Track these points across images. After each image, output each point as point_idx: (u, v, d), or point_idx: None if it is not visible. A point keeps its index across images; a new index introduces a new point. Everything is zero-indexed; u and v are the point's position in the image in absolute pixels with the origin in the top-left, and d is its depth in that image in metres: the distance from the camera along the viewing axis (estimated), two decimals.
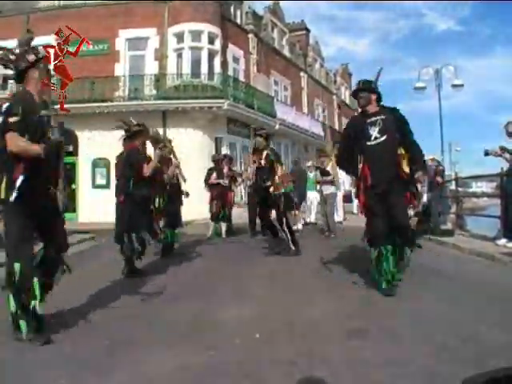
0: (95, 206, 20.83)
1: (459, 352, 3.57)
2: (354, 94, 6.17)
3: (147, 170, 6.96)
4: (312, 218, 16.35)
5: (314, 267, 7.37)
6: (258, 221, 12.67)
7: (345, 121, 35.35)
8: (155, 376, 3.31)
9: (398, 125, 5.76)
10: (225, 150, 21.75)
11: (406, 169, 5.66)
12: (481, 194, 43.39)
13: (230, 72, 24.73)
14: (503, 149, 9.47)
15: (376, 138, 5.72)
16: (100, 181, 22.27)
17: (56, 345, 3.94)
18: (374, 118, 5.81)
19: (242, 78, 25.77)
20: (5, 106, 4.11)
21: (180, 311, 4.93)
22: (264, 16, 30.97)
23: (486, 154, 9.78)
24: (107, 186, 20.86)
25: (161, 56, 22.64)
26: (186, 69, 22.63)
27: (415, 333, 4.10)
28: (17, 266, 4.03)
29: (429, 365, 3.34)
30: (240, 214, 15.18)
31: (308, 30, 39.40)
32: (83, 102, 19.48)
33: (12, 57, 4.48)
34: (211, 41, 23.36)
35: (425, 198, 14.12)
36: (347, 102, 44.01)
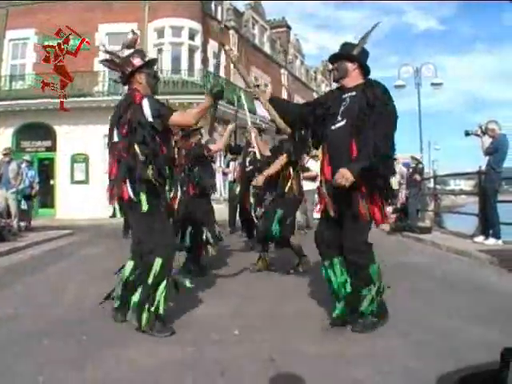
0: (74, 201, 20.68)
1: (436, 347, 3.61)
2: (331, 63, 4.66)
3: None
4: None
5: (294, 264, 7.38)
6: (237, 218, 12.72)
7: None
8: (132, 372, 3.29)
9: (369, 105, 4.11)
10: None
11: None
12: (459, 192, 43.86)
13: (211, 68, 24.67)
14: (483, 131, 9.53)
15: (338, 122, 4.27)
16: (79, 176, 22.10)
17: (33, 340, 3.90)
18: (345, 95, 4.34)
19: (222, 74, 25.72)
20: (147, 101, 4.16)
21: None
22: (245, 12, 30.96)
23: (467, 134, 9.88)
24: (86, 181, 20.75)
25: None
26: (167, 64, 22.53)
27: (392, 329, 4.12)
28: (158, 261, 4.10)
29: (406, 361, 3.37)
30: (220, 210, 15.14)
31: (289, 27, 39.45)
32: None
33: (118, 61, 4.47)
34: (192, 37, 23.33)
35: (403, 196, 14.27)
36: None
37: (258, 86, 4.95)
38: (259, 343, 3.83)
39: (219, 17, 27.11)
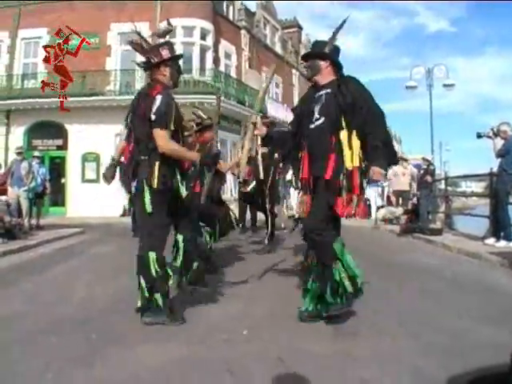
0: (84, 200, 20.76)
1: (446, 348, 3.59)
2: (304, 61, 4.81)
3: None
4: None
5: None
6: (248, 217, 12.74)
7: None
8: (141, 371, 3.29)
9: (348, 101, 4.21)
10: (216, 147, 21.69)
11: (349, 163, 4.19)
12: (470, 194, 43.65)
13: (222, 68, 24.73)
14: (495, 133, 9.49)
15: (316, 120, 4.38)
16: (90, 175, 22.18)
17: (42, 339, 3.92)
18: (320, 93, 4.46)
19: (233, 74, 25.77)
20: (160, 100, 4.19)
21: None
22: (256, 12, 30.96)
23: (479, 136, 9.82)
24: (97, 180, 20.79)
25: None
26: None
27: (402, 330, 4.10)
28: (151, 254, 4.21)
29: (415, 361, 3.35)
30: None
31: (300, 28, 39.39)
32: (73, 96, 19.32)
33: (146, 45, 4.50)
34: (203, 36, 23.37)
35: (414, 198, 14.23)
36: None
37: (255, 124, 4.89)
38: (267, 343, 3.82)
39: (231, 17, 27.15)
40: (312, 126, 4.40)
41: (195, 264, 4.66)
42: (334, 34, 4.55)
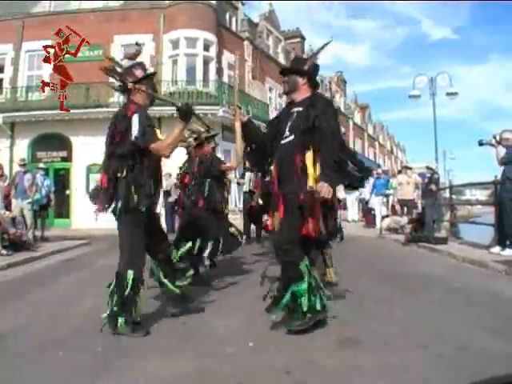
0: (89, 211, 20.76)
1: (454, 359, 3.56)
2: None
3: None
4: None
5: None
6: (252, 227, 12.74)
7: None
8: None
9: (312, 121, 4.30)
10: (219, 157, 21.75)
11: (312, 183, 4.23)
12: (475, 202, 43.49)
13: (225, 79, 24.76)
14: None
15: (286, 137, 4.49)
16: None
17: (48, 352, 3.91)
18: (293, 110, 4.57)
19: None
20: (138, 119, 4.32)
21: (172, 320, 4.89)
22: (259, 23, 31.09)
23: (481, 143, 9.80)
24: None
25: (156, 62, 22.66)
26: (181, 75, 22.67)
27: (410, 341, 4.08)
28: (130, 273, 4.36)
29: (424, 373, 3.32)
30: (235, 221, 15.14)
31: (303, 38, 39.54)
32: (78, 108, 19.39)
33: (119, 69, 4.66)
34: (206, 48, 23.44)
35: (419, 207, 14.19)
36: (342, 109, 44.06)
37: (240, 107, 5.08)
38: (274, 355, 3.80)
39: (234, 28, 27.26)
40: (282, 142, 4.52)
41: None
42: (316, 53, 4.79)
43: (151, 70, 4.78)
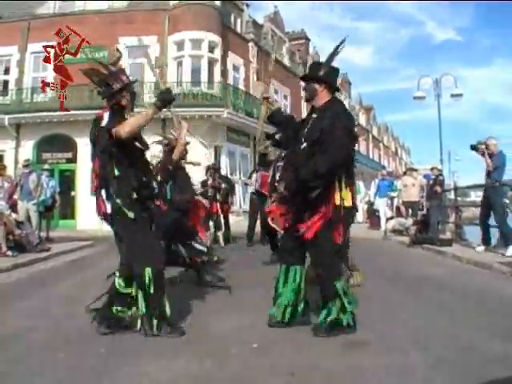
0: (94, 213, 20.76)
1: (459, 363, 3.54)
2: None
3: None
4: None
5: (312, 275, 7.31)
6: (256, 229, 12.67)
7: None
8: None
9: (323, 128, 4.29)
10: (224, 159, 21.78)
11: (337, 201, 4.30)
12: (480, 204, 43.28)
13: (230, 80, 24.80)
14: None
15: (302, 143, 4.49)
16: None
17: (51, 353, 3.91)
18: (312, 116, 4.58)
19: (241, 86, 25.83)
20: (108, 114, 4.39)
21: (176, 321, 4.89)
22: (264, 25, 31.10)
23: (472, 148, 9.95)
24: None
25: (161, 64, 22.67)
26: (186, 77, 22.68)
27: (412, 343, 4.07)
28: (148, 270, 4.29)
29: (429, 376, 3.31)
30: (238, 223, 15.15)
31: (308, 39, 39.54)
32: (82, 109, 19.41)
33: (105, 70, 4.66)
34: (211, 49, 23.47)
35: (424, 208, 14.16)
36: None
37: (267, 98, 5.11)
38: (278, 356, 3.79)
39: (238, 29, 27.28)
40: (301, 147, 4.48)
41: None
42: (330, 57, 4.64)
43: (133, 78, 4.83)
